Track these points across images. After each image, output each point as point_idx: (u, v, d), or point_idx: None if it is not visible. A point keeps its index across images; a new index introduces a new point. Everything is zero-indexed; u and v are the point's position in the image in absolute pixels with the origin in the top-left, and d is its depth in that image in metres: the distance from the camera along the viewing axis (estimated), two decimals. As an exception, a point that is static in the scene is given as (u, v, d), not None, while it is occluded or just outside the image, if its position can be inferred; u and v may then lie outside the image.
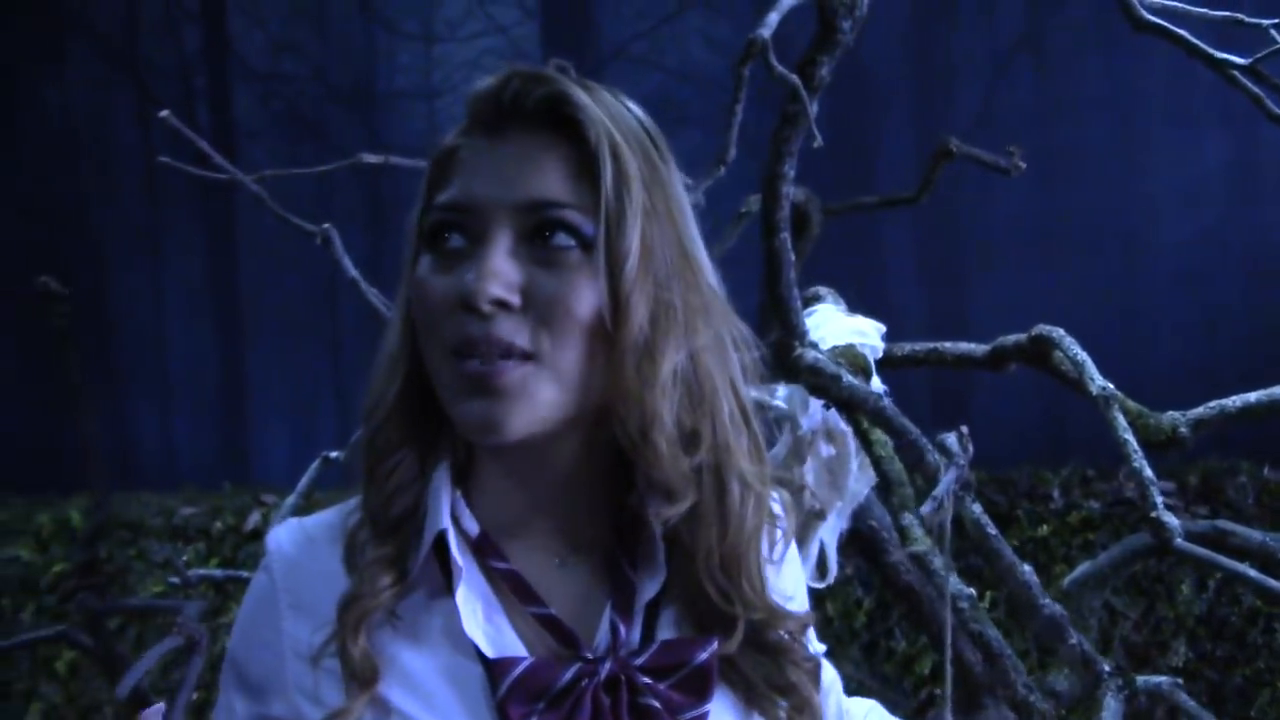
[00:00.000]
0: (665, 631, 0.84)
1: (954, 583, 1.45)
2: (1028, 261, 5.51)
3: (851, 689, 4.13)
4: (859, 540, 2.02)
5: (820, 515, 1.76)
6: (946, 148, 2.13)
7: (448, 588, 0.81)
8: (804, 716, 0.86)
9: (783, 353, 1.61)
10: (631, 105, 0.88)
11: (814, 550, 1.79)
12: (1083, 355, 1.61)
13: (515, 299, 0.77)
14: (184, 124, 1.59)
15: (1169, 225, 5.55)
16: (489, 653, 0.79)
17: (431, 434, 0.83)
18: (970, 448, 1.15)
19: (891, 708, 3.79)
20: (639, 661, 0.80)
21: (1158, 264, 5.51)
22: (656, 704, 0.79)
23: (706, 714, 0.81)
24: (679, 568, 0.84)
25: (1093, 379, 1.59)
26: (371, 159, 1.42)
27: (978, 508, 1.43)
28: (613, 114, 0.84)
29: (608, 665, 0.79)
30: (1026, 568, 1.47)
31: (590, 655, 0.80)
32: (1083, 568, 1.99)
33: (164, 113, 1.31)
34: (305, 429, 6.72)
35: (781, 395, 1.77)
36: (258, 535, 3.74)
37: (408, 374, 0.82)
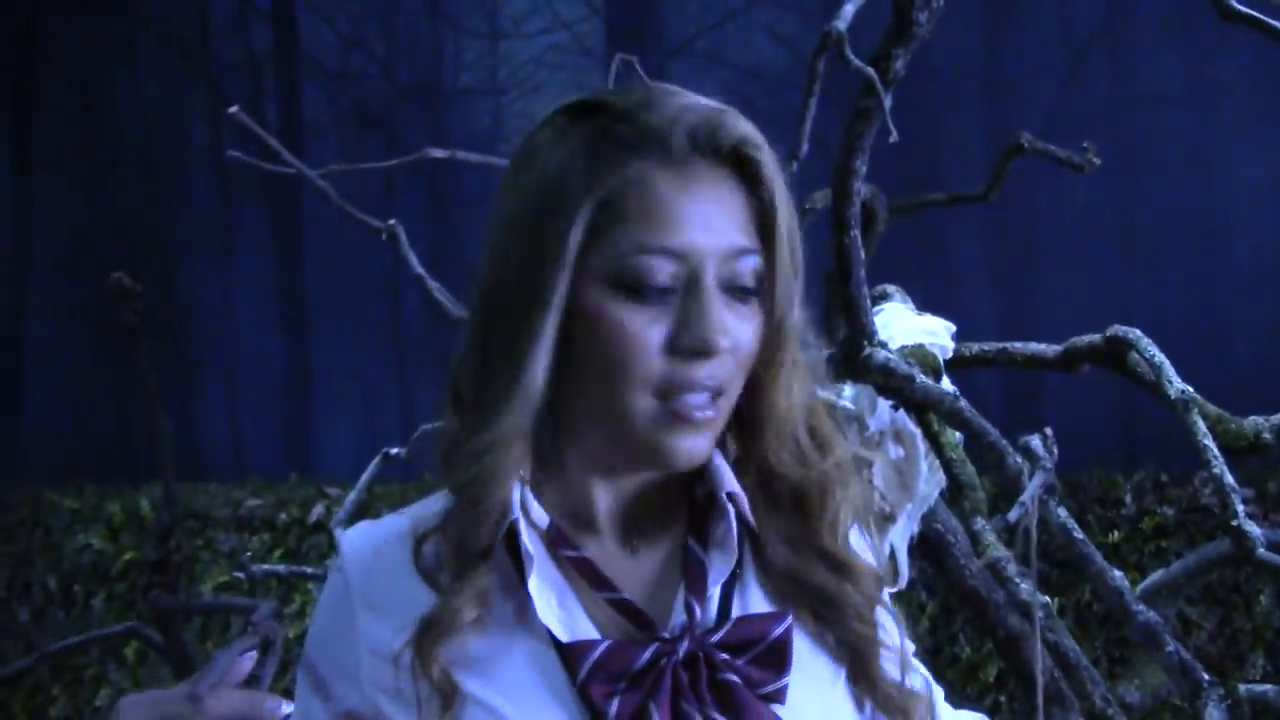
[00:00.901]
0: (740, 610, 0.87)
1: (1028, 590, 1.41)
2: (1101, 261, 5.40)
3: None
4: (924, 543, 1.98)
5: (890, 518, 1.72)
6: (1018, 143, 2.08)
7: (520, 578, 0.84)
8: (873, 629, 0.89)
9: (852, 352, 1.58)
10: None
11: (884, 554, 1.75)
12: (1160, 357, 1.56)
13: (728, 343, 0.83)
14: (253, 121, 1.61)
15: (1248, 223, 5.39)
16: (563, 638, 0.82)
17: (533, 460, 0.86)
18: (1055, 450, 1.12)
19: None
20: (715, 639, 0.83)
21: (1236, 263, 5.36)
22: (736, 679, 0.82)
23: (785, 687, 0.83)
24: (752, 548, 0.88)
25: (1171, 381, 1.53)
26: (438, 153, 1.42)
27: (1063, 512, 1.39)
28: (777, 164, 0.88)
29: (685, 644, 0.82)
30: (1118, 574, 1.42)
31: (667, 635, 0.83)
32: (1156, 576, 1.93)
33: (233, 109, 1.32)
34: (369, 422, 6.79)
35: (849, 395, 1.73)
36: (321, 527, 3.78)
37: (542, 408, 0.83)
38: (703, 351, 0.81)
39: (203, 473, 5.16)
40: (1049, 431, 1.12)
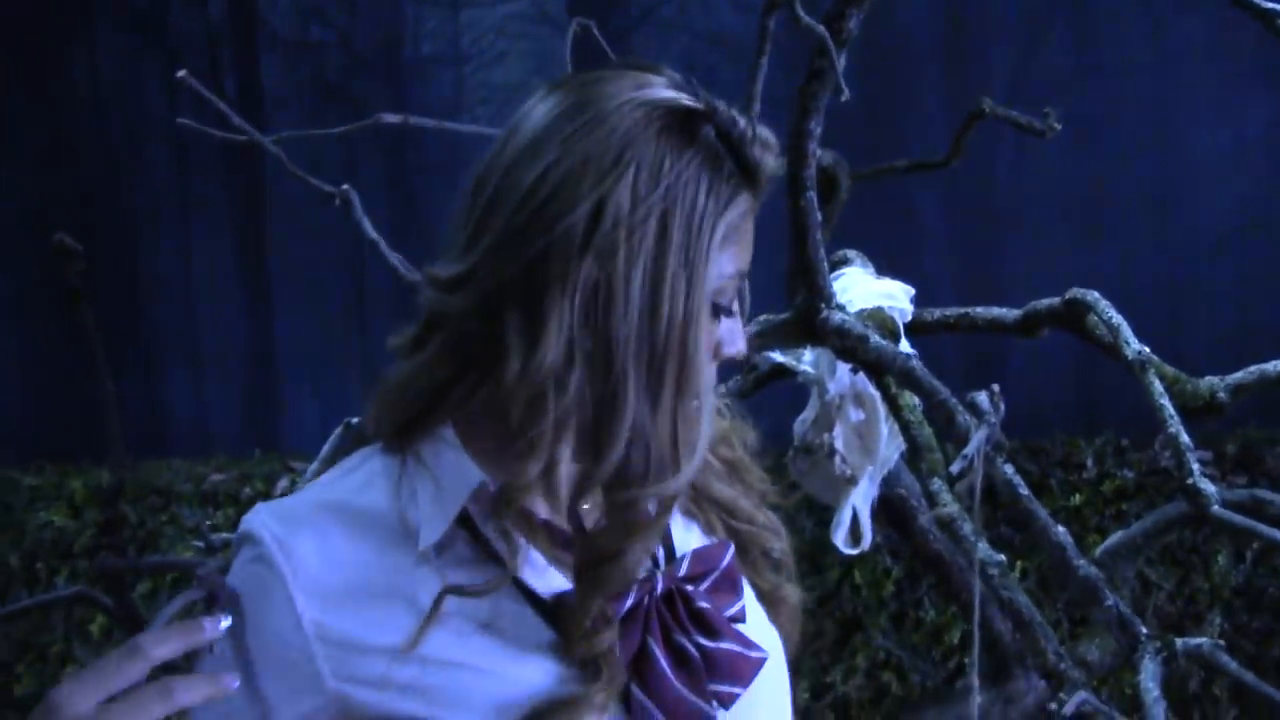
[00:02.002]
0: (673, 539, 0.93)
1: (983, 548, 1.42)
2: (1062, 227, 5.44)
3: (880, 659, 4.10)
4: (888, 508, 2.00)
5: (852, 481, 1.73)
6: (979, 109, 2.08)
7: (486, 551, 0.85)
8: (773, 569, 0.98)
9: (809, 316, 1.58)
10: None
11: (846, 516, 1.76)
12: (1118, 318, 1.57)
13: None
14: (211, 92, 1.58)
15: (1210, 189, 5.44)
16: (540, 589, 0.85)
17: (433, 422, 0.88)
18: (1002, 407, 1.12)
19: (921, 678, 3.75)
20: (681, 573, 0.88)
21: (1197, 230, 5.41)
22: (708, 605, 0.87)
23: (744, 608, 0.90)
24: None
25: (1128, 342, 1.54)
26: (391, 119, 1.40)
27: (1009, 468, 1.40)
28: None
29: (660, 583, 0.86)
30: (1061, 529, 1.43)
31: (641, 576, 0.86)
32: (1116, 536, 1.95)
33: (181, 72, 1.29)
34: (334, 395, 6.75)
35: (808, 359, 1.74)
36: (287, 502, 3.76)
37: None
38: (739, 357, 0.89)
39: (166, 448, 5.12)
40: (996, 388, 1.13)
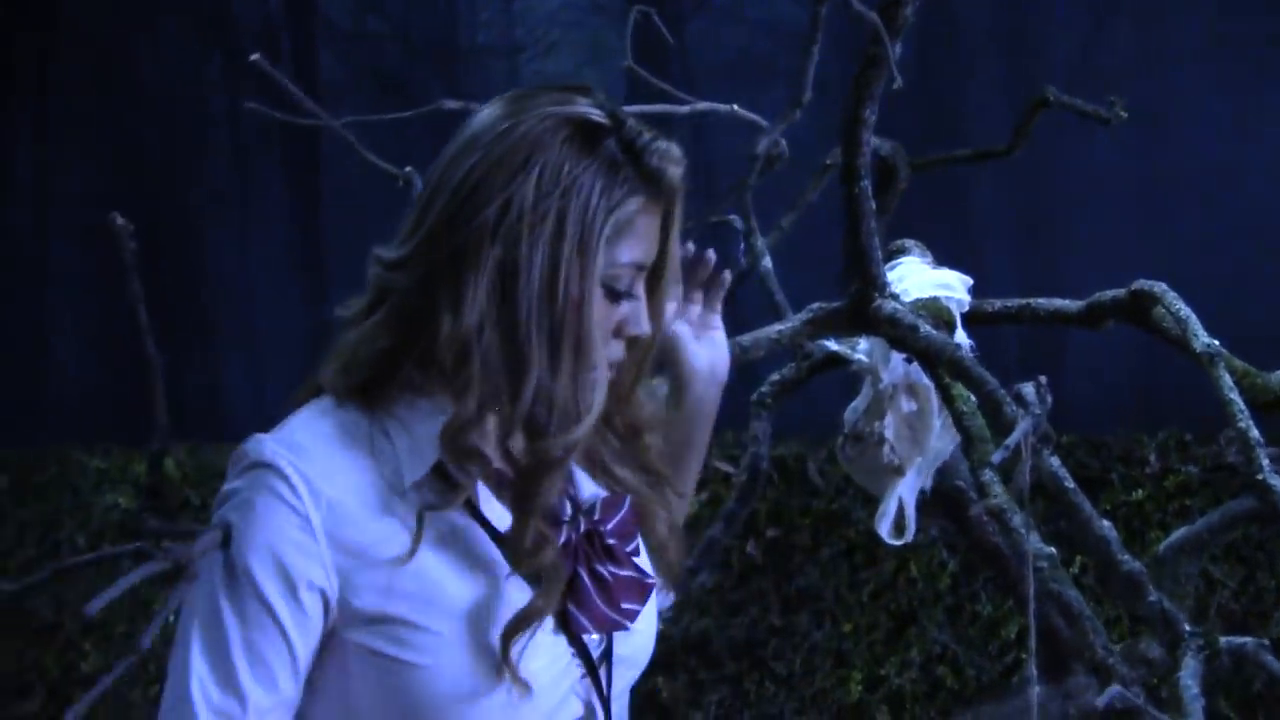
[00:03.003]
0: (576, 488, 1.10)
1: (1033, 541, 1.40)
2: (1124, 217, 5.34)
3: (935, 652, 4.06)
4: (945, 500, 1.98)
5: (899, 471, 1.72)
6: (1043, 97, 2.05)
7: (452, 488, 1.02)
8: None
9: (861, 304, 1.57)
10: None
11: (892, 507, 1.75)
12: (1186, 311, 1.54)
13: None
14: (271, 75, 1.59)
15: (1272, 178, 5.32)
16: (501, 528, 1.01)
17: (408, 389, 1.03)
18: (1049, 399, 1.10)
19: (976, 673, 3.71)
20: (596, 516, 1.06)
21: (1261, 219, 5.29)
22: (616, 542, 1.06)
23: (638, 545, 1.10)
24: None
25: (1197, 335, 1.52)
26: (452, 105, 1.41)
27: (1056, 461, 1.38)
28: None
29: (582, 523, 1.05)
30: (1106, 523, 1.41)
31: (565, 518, 1.04)
32: (1179, 532, 1.92)
33: (254, 56, 1.32)
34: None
35: (863, 348, 1.72)
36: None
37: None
38: (640, 339, 1.06)
39: (226, 432, 5.19)
40: (1043, 380, 1.11)
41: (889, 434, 1.74)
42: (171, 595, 0.84)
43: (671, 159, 1.03)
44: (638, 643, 1.10)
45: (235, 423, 6.42)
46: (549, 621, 1.00)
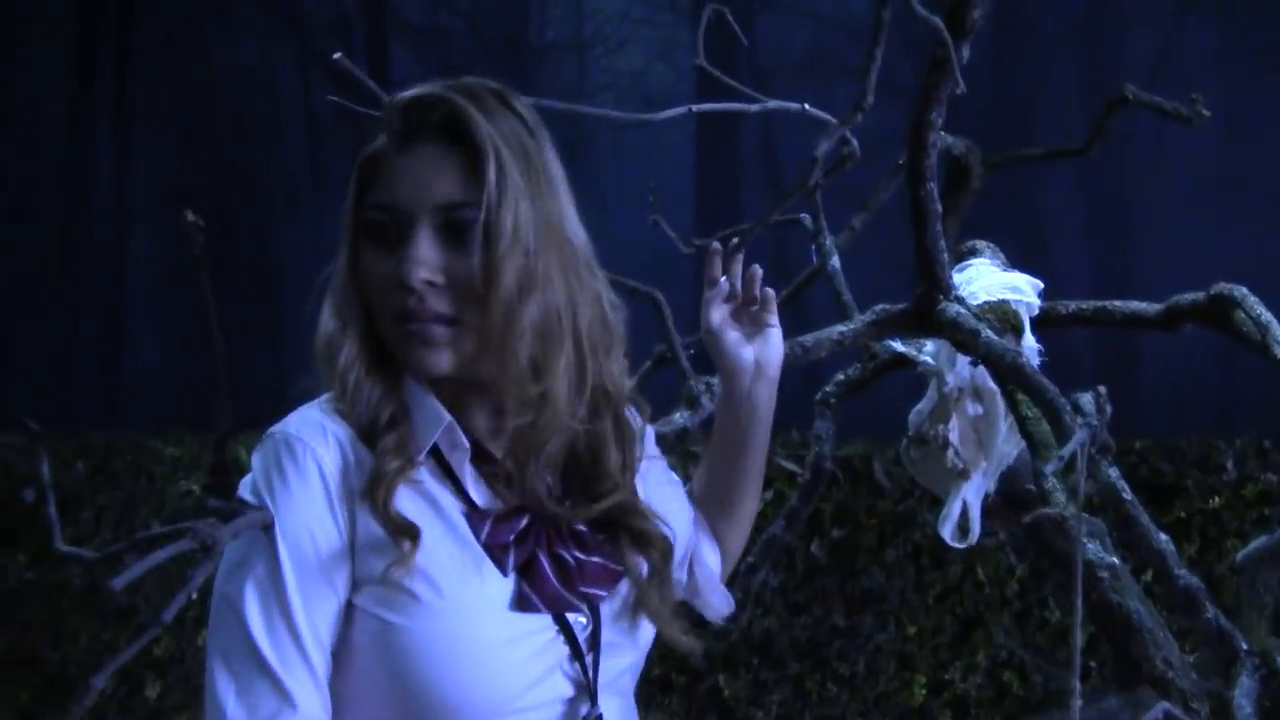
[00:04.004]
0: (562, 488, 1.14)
1: (1095, 550, 1.38)
2: (1202, 219, 5.22)
3: (1001, 658, 4.00)
4: (1013, 504, 1.95)
5: (964, 475, 1.70)
6: (1122, 95, 2.01)
7: (441, 466, 1.08)
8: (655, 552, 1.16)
9: (926, 306, 1.55)
10: (518, 105, 1.10)
11: (956, 510, 1.73)
12: (1268, 316, 1.51)
13: (440, 279, 1.03)
14: (349, 72, 1.61)
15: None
16: (479, 503, 1.07)
17: (387, 363, 1.08)
18: (1108, 408, 1.08)
19: (1044, 679, 3.65)
20: (567, 504, 1.11)
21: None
22: (584, 528, 1.11)
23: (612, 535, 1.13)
24: (515, 452, 1.12)
25: (1278, 341, 1.48)
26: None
27: (1115, 472, 1.35)
28: (496, 121, 1.06)
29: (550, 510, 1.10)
30: (1163, 536, 1.38)
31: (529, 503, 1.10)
32: (1259, 541, 1.87)
33: (337, 55, 1.34)
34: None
35: (929, 350, 1.71)
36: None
37: (363, 325, 1.07)
38: (401, 286, 1.03)
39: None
40: (1102, 390, 1.09)
41: (954, 437, 1.72)
42: (197, 572, 0.86)
43: (406, 95, 1.07)
44: (629, 629, 1.13)
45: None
46: (508, 596, 1.05)
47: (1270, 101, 5.16)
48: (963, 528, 1.78)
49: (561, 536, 1.10)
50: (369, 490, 1.02)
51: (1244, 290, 1.61)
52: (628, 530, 1.14)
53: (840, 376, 1.91)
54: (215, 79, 7.50)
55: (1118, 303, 1.79)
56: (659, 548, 1.15)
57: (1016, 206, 4.95)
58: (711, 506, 1.31)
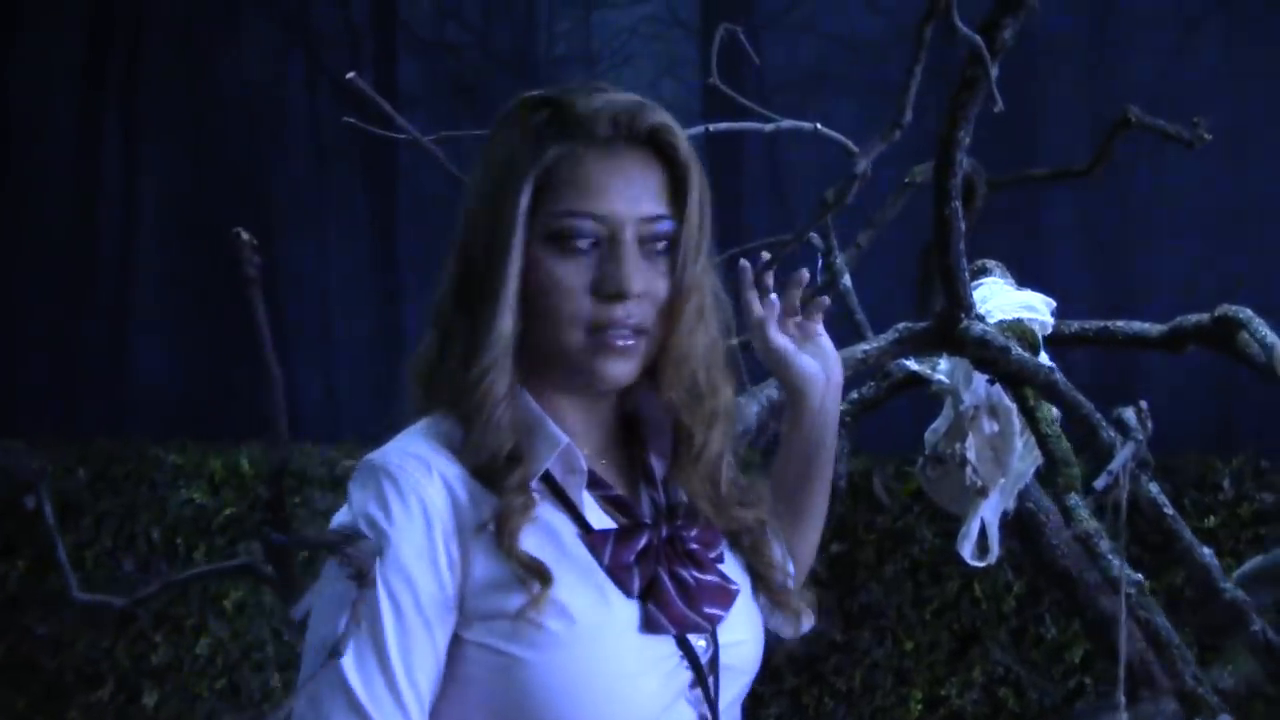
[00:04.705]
0: (677, 497, 1.13)
1: (1121, 567, 1.39)
2: (1205, 240, 5.24)
3: (997, 674, 4.00)
4: (1015, 522, 1.97)
5: (982, 492, 1.71)
6: (1125, 117, 2.03)
7: (550, 487, 1.06)
8: (769, 554, 1.16)
9: (948, 325, 1.57)
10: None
11: (974, 528, 1.74)
12: (1273, 337, 1.53)
13: (644, 290, 1.04)
14: (361, 89, 1.63)
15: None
16: (595, 526, 1.05)
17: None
18: (1150, 424, 1.11)
19: (1039, 696, 3.65)
20: (679, 523, 1.09)
21: (1348, 245, 5.16)
22: (698, 547, 1.09)
23: (723, 552, 1.12)
24: (677, 459, 1.12)
25: (1281, 362, 1.50)
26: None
27: (1154, 487, 1.37)
28: (686, 139, 1.07)
29: (664, 528, 1.08)
30: (1206, 550, 1.40)
31: (648, 521, 1.08)
32: (1253, 562, 1.89)
33: (350, 75, 1.36)
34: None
35: (943, 369, 1.72)
36: (412, 489, 3.86)
37: (515, 343, 1.04)
38: (618, 295, 1.02)
39: (299, 433, 5.28)
40: (1144, 405, 1.12)
41: (971, 455, 1.73)
42: (348, 612, 0.88)
43: (611, 103, 1.04)
44: (744, 653, 1.11)
45: (309, 423, 6.53)
46: (635, 620, 1.02)
47: (1273, 124, 5.19)
48: (982, 546, 1.79)
49: (679, 556, 1.07)
50: (496, 531, 1.00)
51: (1249, 312, 1.63)
52: (752, 548, 1.13)
53: (855, 395, 1.92)
54: (223, 91, 7.53)
55: (1121, 323, 1.81)
56: (778, 560, 1.15)
57: (1020, 226, 4.97)
58: (785, 520, 1.27)
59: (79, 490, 4.38)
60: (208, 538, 4.25)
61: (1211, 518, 3.37)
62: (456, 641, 1.01)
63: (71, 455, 4.45)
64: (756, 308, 1.16)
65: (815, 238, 1.90)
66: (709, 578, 1.08)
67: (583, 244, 1.02)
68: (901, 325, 1.66)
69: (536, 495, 1.03)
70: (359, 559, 0.93)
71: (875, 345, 1.63)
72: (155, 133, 7.74)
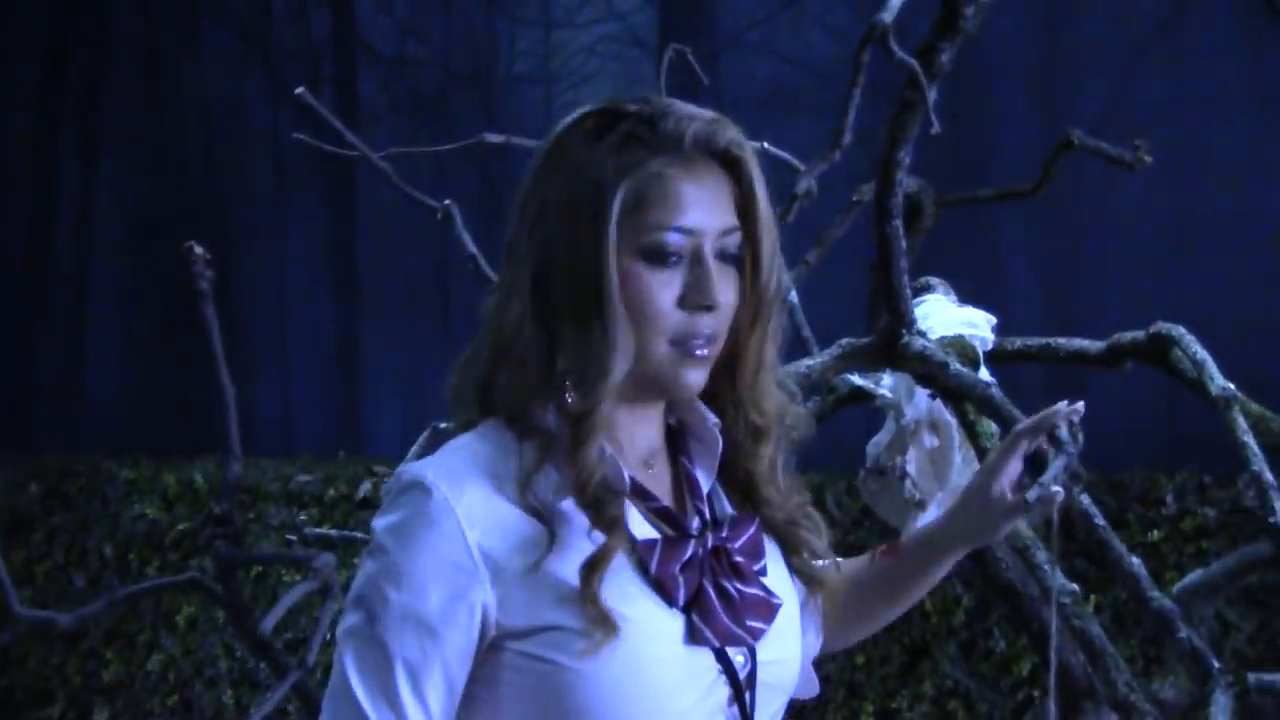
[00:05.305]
0: (720, 510, 1.13)
1: (1057, 577, 1.43)
2: (1151, 261, 5.35)
3: (947, 687, 4.05)
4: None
5: (921, 506, 1.75)
6: (1067, 139, 2.09)
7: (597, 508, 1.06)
8: (816, 558, 1.16)
9: (890, 340, 1.60)
10: None
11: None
12: (1203, 354, 1.58)
13: (726, 300, 1.06)
14: (315, 105, 1.65)
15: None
16: (640, 537, 1.05)
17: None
18: (1080, 437, 1.14)
19: (989, 709, 3.69)
20: (724, 534, 1.09)
21: (1290, 267, 5.28)
22: (743, 560, 1.09)
23: (765, 565, 1.12)
24: (724, 468, 1.13)
25: (1213, 378, 1.55)
26: (494, 138, 1.47)
27: (1086, 499, 1.41)
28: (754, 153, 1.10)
29: (710, 538, 1.08)
30: (1135, 560, 1.44)
31: (693, 532, 1.08)
32: (1194, 575, 1.93)
33: (299, 90, 1.37)
34: (416, 402, 6.87)
35: (887, 384, 1.76)
36: (369, 504, 3.86)
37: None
38: (708, 307, 1.05)
39: (254, 447, 5.25)
40: (1076, 419, 1.15)
41: (911, 469, 1.76)
42: (324, 611, 0.89)
43: (692, 119, 1.05)
44: (782, 671, 1.12)
45: (265, 438, 6.48)
46: (679, 631, 1.03)
47: (1215, 148, 5.31)
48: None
49: (723, 568, 1.08)
50: (586, 569, 1.00)
51: (1181, 329, 1.68)
52: (797, 551, 1.14)
53: (800, 409, 1.95)
54: (182, 106, 7.50)
55: (1062, 340, 1.85)
56: (829, 579, 1.15)
57: (970, 245, 5.05)
58: (846, 609, 1.25)
59: (31, 505, 4.34)
60: (161, 553, 4.22)
61: (1155, 532, 3.44)
62: (495, 648, 1.02)
63: (23, 470, 4.41)
64: (1016, 465, 1.18)
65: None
66: (752, 590, 1.09)
67: (673, 258, 1.05)
68: (845, 341, 1.70)
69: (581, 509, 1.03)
70: (322, 573, 0.94)
71: (819, 360, 1.66)
72: (113, 147, 7.69)
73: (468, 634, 1.01)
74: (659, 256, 1.04)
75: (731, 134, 1.07)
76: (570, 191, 1.04)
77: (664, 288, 1.04)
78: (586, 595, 0.99)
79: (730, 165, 1.07)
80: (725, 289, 1.06)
